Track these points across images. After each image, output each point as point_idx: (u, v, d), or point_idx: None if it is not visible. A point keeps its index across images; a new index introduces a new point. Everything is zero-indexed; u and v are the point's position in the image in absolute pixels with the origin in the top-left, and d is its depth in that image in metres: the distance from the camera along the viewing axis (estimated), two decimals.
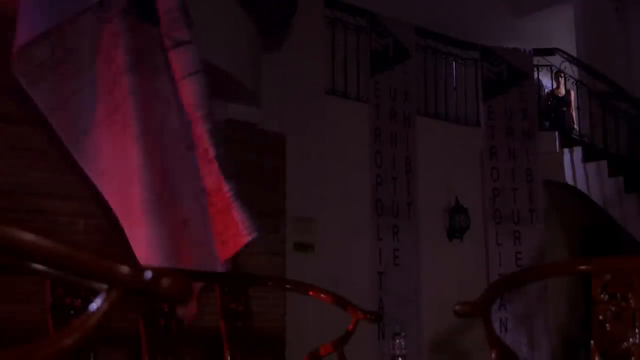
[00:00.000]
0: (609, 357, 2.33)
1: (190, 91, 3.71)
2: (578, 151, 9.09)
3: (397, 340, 4.12)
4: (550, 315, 8.31)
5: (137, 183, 3.49)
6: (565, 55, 9.44)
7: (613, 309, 2.35)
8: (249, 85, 6.27)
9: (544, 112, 9.53)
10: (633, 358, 2.28)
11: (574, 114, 9.63)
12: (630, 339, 2.30)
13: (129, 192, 3.52)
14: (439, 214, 8.17)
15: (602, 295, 2.38)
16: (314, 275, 5.53)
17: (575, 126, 9.63)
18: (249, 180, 6.43)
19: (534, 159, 8.54)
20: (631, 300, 2.32)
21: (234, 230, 3.51)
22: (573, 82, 9.63)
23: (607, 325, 2.35)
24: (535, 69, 9.02)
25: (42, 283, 2.74)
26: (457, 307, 2.49)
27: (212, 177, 3.69)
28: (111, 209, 3.75)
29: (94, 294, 1.08)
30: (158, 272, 1.05)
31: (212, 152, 3.67)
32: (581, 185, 8.93)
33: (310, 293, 3.96)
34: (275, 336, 6.25)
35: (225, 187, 3.66)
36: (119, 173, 3.50)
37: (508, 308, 8.00)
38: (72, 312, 2.66)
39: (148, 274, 1.04)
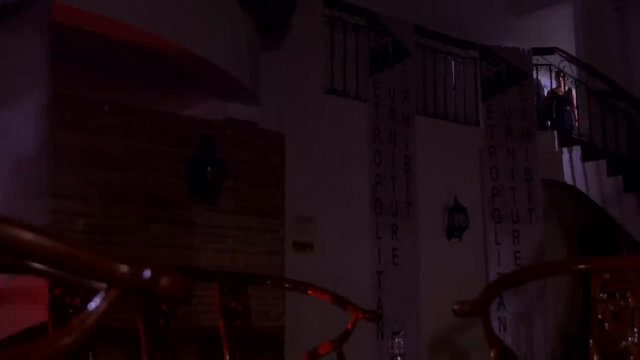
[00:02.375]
0: (608, 356, 2.33)
1: None
2: (577, 150, 9.09)
3: (396, 340, 4.12)
4: (549, 314, 8.31)
5: None
6: (564, 55, 9.45)
7: (612, 308, 2.35)
8: (248, 84, 6.28)
9: (544, 111, 9.54)
10: (632, 357, 2.28)
11: (576, 112, 9.64)
12: (629, 338, 2.30)
13: None
14: (438, 213, 8.17)
15: (601, 295, 2.38)
16: (313, 275, 5.53)
17: (576, 125, 9.64)
18: (248, 180, 6.44)
19: (533, 158, 8.53)
20: (630, 300, 2.32)
21: None
22: (572, 82, 9.64)
23: (606, 324, 2.35)
24: (534, 69, 9.02)
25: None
26: (456, 307, 2.49)
27: None
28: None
29: (93, 293, 1.08)
30: (157, 271, 1.05)
31: None
32: (580, 185, 8.93)
33: (310, 292, 3.96)
34: (274, 335, 6.25)
35: None
36: None
37: (507, 307, 8.00)
38: (71, 311, 2.67)
39: (147, 273, 1.04)
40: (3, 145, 2.95)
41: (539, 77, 9.37)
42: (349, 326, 3.74)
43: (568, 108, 9.62)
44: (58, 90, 5.51)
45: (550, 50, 9.31)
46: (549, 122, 9.50)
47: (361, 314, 3.73)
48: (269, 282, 4.51)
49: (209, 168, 6.04)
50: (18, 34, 3.02)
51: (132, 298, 1.08)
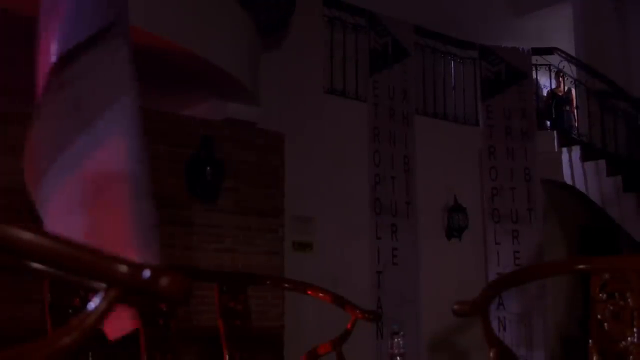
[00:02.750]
0: (608, 356, 2.34)
1: None
2: (576, 150, 9.09)
3: (396, 340, 4.12)
4: (548, 314, 8.31)
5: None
6: (564, 55, 9.45)
7: (611, 308, 2.35)
8: (248, 84, 6.28)
9: (543, 111, 9.54)
10: (631, 357, 2.28)
11: (575, 112, 9.64)
12: (629, 338, 2.30)
13: None
14: (437, 213, 8.17)
15: (600, 295, 2.38)
16: (313, 275, 5.54)
17: (575, 125, 9.64)
18: (248, 180, 6.44)
19: (532, 158, 8.53)
20: (629, 300, 2.33)
21: None
22: (572, 82, 9.64)
23: (606, 324, 2.35)
24: (534, 69, 9.02)
25: (41, 282, 2.74)
26: (455, 307, 2.49)
27: None
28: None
29: (93, 293, 1.08)
30: (157, 271, 1.05)
31: None
32: (580, 185, 8.94)
33: (309, 292, 3.96)
34: (274, 335, 6.25)
35: None
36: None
37: (507, 307, 8.01)
38: (70, 311, 2.67)
39: (147, 273, 1.04)
40: (105, 154, 3.22)
41: (538, 78, 9.37)
42: (349, 326, 3.73)
43: (567, 108, 9.62)
44: None
45: (549, 51, 9.31)
46: (549, 122, 9.50)
47: (360, 314, 3.73)
48: (268, 282, 4.51)
49: (208, 168, 6.04)
50: (106, 52, 3.34)
51: (131, 298, 1.08)
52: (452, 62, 8.95)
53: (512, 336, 7.93)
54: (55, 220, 3.15)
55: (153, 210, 3.47)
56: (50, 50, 3.15)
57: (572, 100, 9.66)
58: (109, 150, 3.26)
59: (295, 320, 6.50)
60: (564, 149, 9.00)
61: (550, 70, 9.45)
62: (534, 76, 9.08)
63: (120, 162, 3.28)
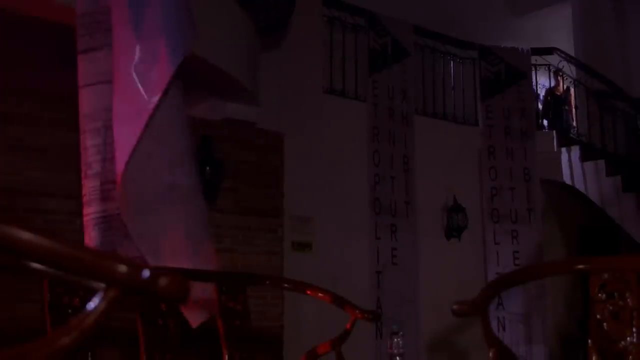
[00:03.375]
0: (607, 356, 2.34)
1: (86, 102, 3.67)
2: (576, 150, 9.10)
3: (395, 340, 4.11)
4: (548, 314, 8.32)
5: None
6: (563, 55, 9.45)
7: (611, 308, 2.35)
8: (247, 84, 6.28)
9: (543, 111, 9.54)
10: (630, 357, 2.28)
11: (573, 112, 9.65)
12: (628, 338, 2.30)
13: None
14: (437, 213, 8.17)
15: (600, 295, 2.38)
16: (312, 274, 5.53)
17: (574, 125, 9.65)
18: (247, 180, 6.44)
19: (532, 158, 8.54)
20: (629, 299, 2.33)
21: None
22: (571, 82, 9.64)
23: (605, 324, 2.35)
24: (533, 69, 9.02)
25: (40, 282, 2.75)
26: (455, 307, 2.49)
27: (86, 193, 3.72)
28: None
29: (92, 293, 1.08)
30: (156, 271, 1.05)
31: (93, 169, 3.68)
32: (579, 185, 8.94)
33: (308, 292, 3.95)
34: (273, 335, 6.25)
35: (88, 209, 3.69)
36: None
37: (506, 307, 8.01)
38: (70, 311, 2.67)
39: (146, 273, 1.04)
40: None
41: (537, 78, 9.37)
42: (348, 326, 3.73)
43: (566, 108, 9.63)
44: (54, 93, 5.51)
45: (549, 51, 9.31)
46: (546, 122, 9.51)
47: (360, 313, 3.72)
48: (268, 282, 4.50)
49: (208, 168, 6.03)
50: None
51: (131, 298, 1.08)
52: (452, 62, 8.96)
53: (512, 336, 7.93)
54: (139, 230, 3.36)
55: (205, 208, 3.74)
56: (155, 68, 3.31)
57: (570, 99, 9.67)
58: (173, 162, 3.47)
59: (295, 320, 6.50)
60: (564, 149, 9.00)
61: (549, 70, 9.45)
62: (534, 76, 9.09)
63: (175, 169, 3.48)
